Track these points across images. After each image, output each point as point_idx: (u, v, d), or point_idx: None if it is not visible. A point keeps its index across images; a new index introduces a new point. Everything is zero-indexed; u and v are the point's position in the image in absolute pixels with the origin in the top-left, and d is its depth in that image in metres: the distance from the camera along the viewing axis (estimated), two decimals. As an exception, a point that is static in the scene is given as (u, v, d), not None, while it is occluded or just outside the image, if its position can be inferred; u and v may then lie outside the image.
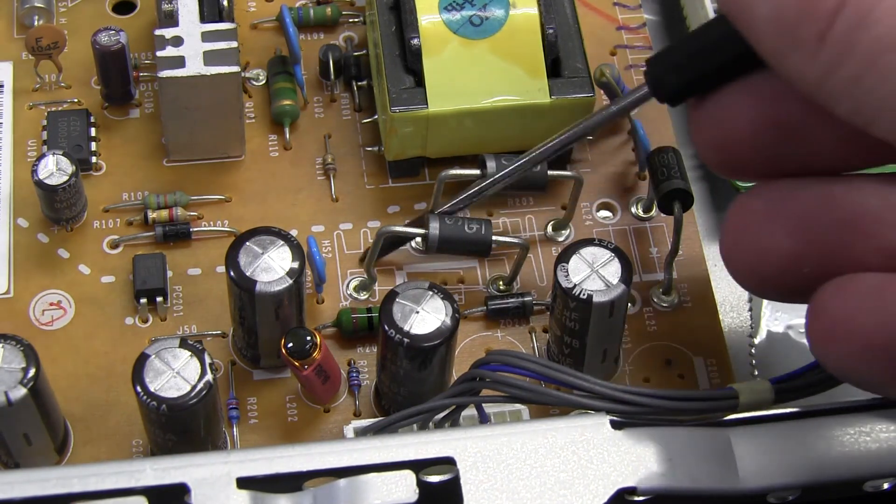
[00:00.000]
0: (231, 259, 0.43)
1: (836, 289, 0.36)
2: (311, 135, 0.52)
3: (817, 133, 0.37)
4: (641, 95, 0.42)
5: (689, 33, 0.40)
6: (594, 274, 0.43)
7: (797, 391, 0.39)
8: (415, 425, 0.41)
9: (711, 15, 0.52)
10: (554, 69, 0.49)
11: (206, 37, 0.48)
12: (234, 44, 0.48)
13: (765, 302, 0.50)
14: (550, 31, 0.49)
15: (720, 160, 0.39)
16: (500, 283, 0.49)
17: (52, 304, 0.48)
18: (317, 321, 0.48)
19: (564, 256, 0.44)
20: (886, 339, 0.35)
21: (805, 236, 0.37)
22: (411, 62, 0.49)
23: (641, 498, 0.37)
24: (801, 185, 0.38)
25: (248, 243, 0.43)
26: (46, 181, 0.47)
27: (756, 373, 0.49)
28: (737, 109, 0.38)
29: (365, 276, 0.48)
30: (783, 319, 0.50)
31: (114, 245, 0.49)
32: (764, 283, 0.38)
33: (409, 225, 0.48)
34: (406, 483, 0.36)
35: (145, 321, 0.48)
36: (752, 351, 0.50)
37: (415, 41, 0.48)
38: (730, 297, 0.52)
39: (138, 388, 0.40)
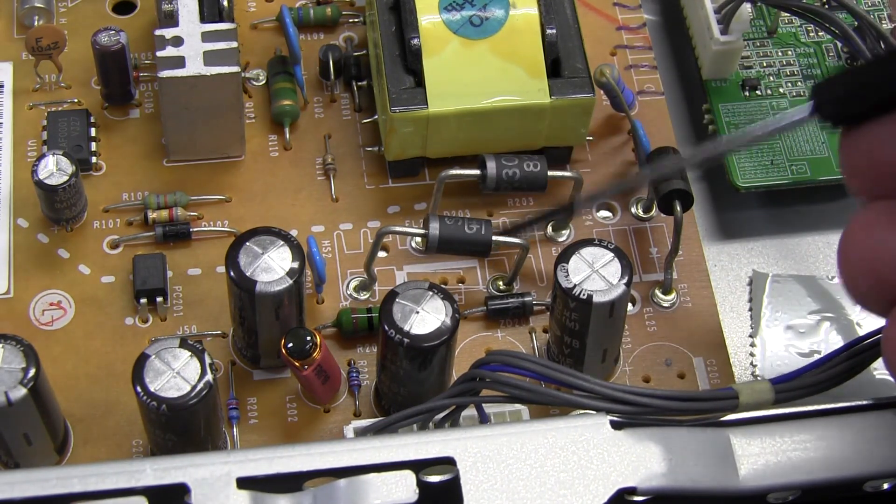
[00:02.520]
0: (231, 259, 0.43)
1: None
2: (311, 135, 0.52)
3: None
4: (803, 118, 0.41)
5: (860, 66, 0.40)
6: (594, 274, 0.43)
7: (797, 391, 0.39)
8: (415, 425, 0.41)
9: (711, 15, 0.52)
10: (554, 69, 0.49)
11: (206, 37, 0.48)
12: (234, 44, 0.48)
13: (765, 302, 0.50)
14: (550, 31, 0.49)
15: (866, 187, 0.38)
16: (500, 283, 0.49)
17: (52, 304, 0.48)
18: (317, 321, 0.48)
19: (564, 256, 0.44)
20: None
21: None
22: (411, 62, 0.49)
23: (641, 498, 0.37)
24: None
25: (248, 243, 0.43)
26: (46, 181, 0.47)
27: (756, 373, 0.49)
28: (890, 140, 0.37)
29: (365, 276, 0.48)
30: (783, 319, 0.50)
31: (114, 245, 0.49)
32: (878, 286, 0.37)
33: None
34: (406, 483, 0.36)
35: (145, 321, 0.48)
36: (752, 351, 0.50)
37: (415, 41, 0.48)
38: (730, 297, 0.52)
39: (138, 388, 0.40)
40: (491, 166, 0.48)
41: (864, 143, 0.38)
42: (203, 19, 0.49)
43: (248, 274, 0.43)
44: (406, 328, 0.42)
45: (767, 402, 0.39)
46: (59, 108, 0.52)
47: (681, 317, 0.49)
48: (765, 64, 0.55)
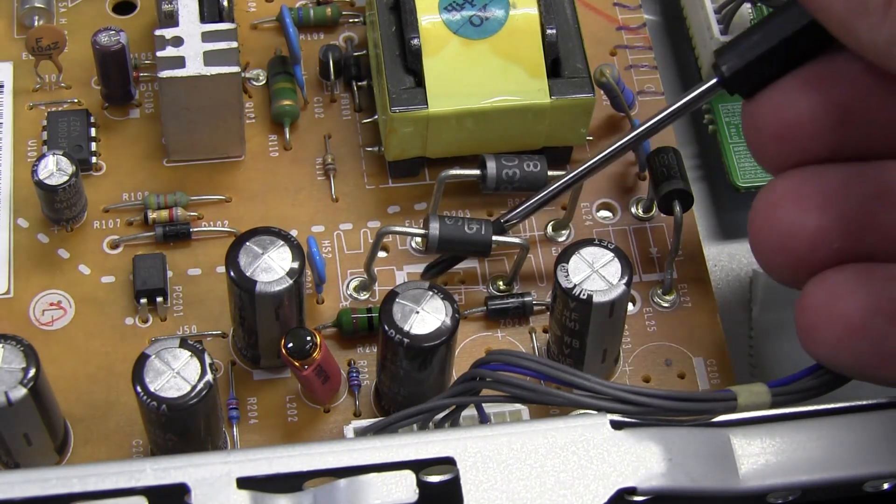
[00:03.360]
0: (231, 259, 0.43)
1: (821, 278, 0.37)
2: (311, 135, 0.52)
3: (874, 114, 0.38)
4: (711, 86, 0.42)
5: (752, 25, 0.41)
6: (594, 274, 0.43)
7: (794, 395, 0.39)
8: (415, 425, 0.41)
9: (711, 15, 0.52)
10: (554, 69, 0.49)
11: (206, 37, 0.48)
12: (234, 44, 0.48)
13: (765, 302, 0.50)
14: (550, 31, 0.49)
15: (778, 151, 0.39)
16: (500, 283, 0.49)
17: (52, 304, 0.48)
18: (317, 321, 0.48)
19: (564, 256, 0.44)
20: (864, 319, 0.36)
21: (833, 210, 0.37)
22: (411, 62, 0.49)
23: (641, 498, 0.37)
24: (830, 166, 0.38)
25: (248, 243, 0.43)
26: (46, 181, 0.47)
27: (755, 373, 0.49)
28: (796, 96, 0.38)
29: (365, 276, 0.48)
30: (783, 320, 0.50)
31: (114, 245, 0.49)
32: (793, 263, 0.38)
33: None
34: (406, 483, 0.36)
35: (145, 321, 0.48)
36: (752, 351, 0.50)
37: (415, 41, 0.48)
38: (730, 298, 0.52)
39: (138, 388, 0.40)
40: (491, 166, 0.48)
41: (770, 106, 0.39)
42: (203, 19, 0.49)
43: (248, 274, 0.43)
44: (406, 328, 0.42)
45: (765, 405, 0.39)
46: (59, 108, 0.52)
47: (681, 317, 0.49)
48: (765, 64, 0.55)
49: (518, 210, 0.47)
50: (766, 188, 0.39)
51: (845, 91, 0.38)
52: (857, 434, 0.39)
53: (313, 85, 0.53)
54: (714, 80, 0.41)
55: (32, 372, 0.40)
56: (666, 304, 0.49)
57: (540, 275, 0.49)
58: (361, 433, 0.42)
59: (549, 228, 0.50)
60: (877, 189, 0.38)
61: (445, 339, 0.42)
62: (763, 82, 0.39)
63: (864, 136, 0.38)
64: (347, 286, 0.49)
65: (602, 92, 0.52)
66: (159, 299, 0.48)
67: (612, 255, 0.44)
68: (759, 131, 0.39)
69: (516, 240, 0.47)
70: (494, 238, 0.47)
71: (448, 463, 0.37)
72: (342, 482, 0.36)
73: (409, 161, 0.50)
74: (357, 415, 0.46)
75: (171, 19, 0.49)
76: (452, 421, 0.41)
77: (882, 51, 0.35)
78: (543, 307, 0.48)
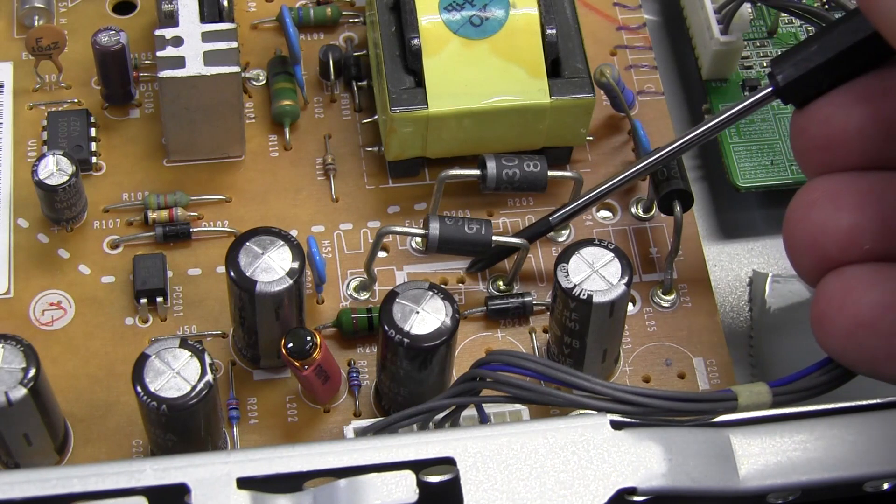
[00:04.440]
0: (231, 259, 0.43)
1: (838, 272, 0.38)
2: (311, 135, 0.52)
3: None
4: (765, 94, 0.42)
5: (811, 35, 0.41)
6: (594, 274, 0.43)
7: (795, 394, 0.39)
8: (415, 425, 0.41)
9: (711, 15, 0.52)
10: (554, 69, 0.49)
11: (206, 37, 0.48)
12: (234, 44, 0.48)
13: (765, 302, 0.50)
14: (550, 31, 0.49)
15: (822, 159, 0.39)
16: (500, 283, 0.49)
17: (52, 304, 0.48)
18: (317, 321, 0.48)
19: (564, 256, 0.44)
20: (875, 315, 0.37)
21: (868, 211, 0.38)
22: (411, 62, 0.49)
23: (641, 498, 0.37)
24: (869, 172, 0.39)
25: (248, 243, 0.43)
26: (46, 181, 0.47)
27: (755, 373, 0.49)
28: (846, 108, 0.39)
29: (365, 276, 0.48)
30: (783, 320, 0.50)
31: (114, 245, 0.49)
32: (822, 262, 0.38)
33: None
34: (406, 483, 0.36)
35: (145, 321, 0.48)
36: (752, 351, 0.50)
37: (415, 41, 0.48)
38: (730, 297, 0.52)
39: (138, 389, 0.40)
40: (491, 166, 0.48)
41: (820, 116, 0.39)
42: (203, 19, 0.49)
43: (248, 274, 0.43)
44: (406, 328, 0.42)
45: (765, 405, 0.39)
46: (59, 108, 0.52)
47: (681, 317, 0.49)
48: (765, 64, 0.55)
49: (569, 208, 0.47)
50: (805, 187, 0.39)
51: (893, 105, 0.38)
52: (857, 434, 0.39)
53: (313, 85, 0.53)
54: (769, 90, 0.42)
55: (32, 372, 0.40)
56: (666, 304, 0.49)
57: (540, 275, 0.49)
58: (361, 433, 0.42)
59: (549, 228, 0.50)
60: None
61: (445, 339, 0.42)
62: (816, 93, 0.40)
63: None
64: (347, 286, 0.49)
65: (602, 92, 0.52)
66: (159, 299, 0.48)
67: (612, 255, 0.44)
68: (806, 140, 0.40)
69: (516, 240, 0.47)
70: (494, 238, 0.47)
71: (448, 463, 0.37)
72: (342, 482, 0.36)
73: (409, 161, 0.50)
74: (357, 415, 0.46)
75: (171, 19, 0.49)
76: (452, 421, 0.41)
77: None
78: (543, 307, 0.48)
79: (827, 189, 0.39)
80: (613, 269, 0.44)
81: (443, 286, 0.44)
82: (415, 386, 0.44)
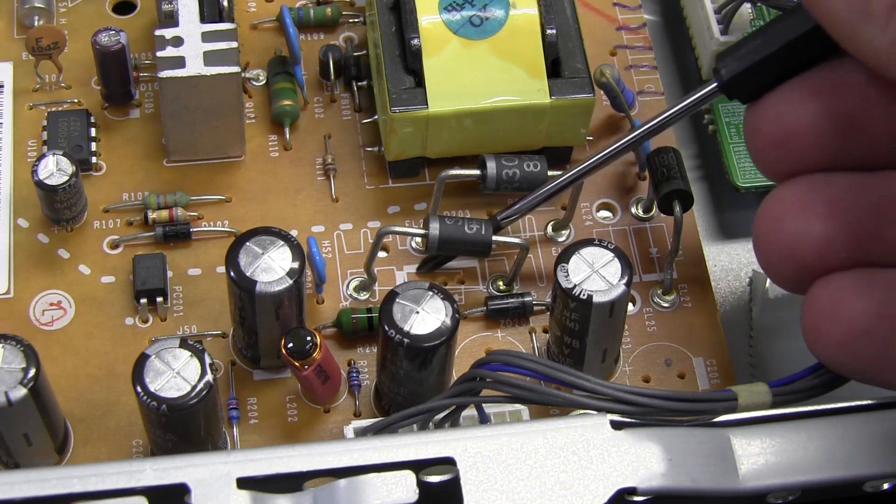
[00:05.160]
0: (231, 259, 0.43)
1: (828, 280, 0.37)
2: (311, 135, 0.52)
3: (876, 125, 0.38)
4: (710, 90, 0.42)
5: (755, 30, 0.41)
6: (594, 274, 0.43)
7: (795, 395, 0.39)
8: (415, 425, 0.41)
9: (711, 15, 0.52)
10: (554, 69, 0.49)
11: (206, 37, 0.48)
12: (234, 44, 0.48)
13: (765, 302, 0.50)
14: (550, 31, 0.49)
15: (779, 157, 0.39)
16: (500, 283, 0.49)
17: (52, 304, 0.48)
18: (317, 321, 0.48)
19: (564, 256, 0.44)
20: (869, 324, 0.36)
21: (838, 220, 0.37)
22: (411, 62, 0.49)
23: (641, 498, 0.37)
24: (836, 175, 0.38)
25: (248, 243, 0.43)
26: (46, 181, 0.47)
27: (755, 373, 0.49)
28: (798, 104, 0.38)
29: (365, 276, 0.48)
30: (783, 320, 0.50)
31: (114, 245, 0.49)
32: (799, 271, 0.38)
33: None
34: (406, 483, 0.36)
35: (145, 321, 0.48)
36: (752, 351, 0.50)
37: (415, 41, 0.48)
38: (730, 297, 0.52)
39: (138, 389, 0.40)
40: (491, 166, 0.48)
41: (772, 113, 0.39)
42: (203, 19, 0.49)
43: (248, 274, 0.43)
44: (406, 328, 0.42)
45: (765, 405, 0.39)
46: (59, 108, 0.52)
47: (681, 317, 0.49)
48: (765, 64, 0.55)
49: (515, 207, 0.47)
50: (772, 196, 0.39)
51: (848, 100, 0.38)
52: (857, 434, 0.39)
53: (313, 85, 0.53)
54: (713, 85, 0.41)
55: (32, 372, 0.40)
56: (666, 304, 0.49)
57: (540, 275, 0.49)
58: (361, 433, 0.42)
59: (549, 228, 0.50)
60: (883, 199, 0.38)
61: (445, 339, 0.42)
62: (764, 88, 0.39)
63: (867, 146, 0.38)
64: (347, 286, 0.49)
65: (602, 92, 0.52)
66: (159, 299, 0.48)
67: (612, 255, 0.44)
68: (760, 137, 0.39)
69: (516, 240, 0.47)
70: (494, 238, 0.47)
71: (448, 463, 0.37)
72: (342, 482, 0.36)
73: (409, 161, 0.50)
74: (357, 415, 0.46)
75: (171, 19, 0.49)
76: (452, 421, 0.41)
77: (884, 58, 0.35)
78: (543, 307, 0.48)
79: (794, 197, 0.38)
80: (613, 269, 0.44)
81: (443, 286, 0.44)
82: (415, 386, 0.44)
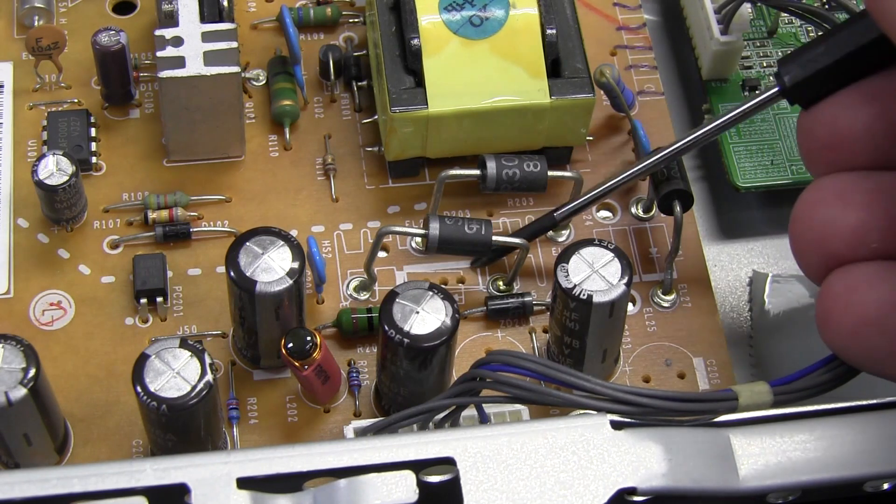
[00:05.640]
0: (231, 259, 0.43)
1: (842, 271, 0.38)
2: (311, 135, 0.52)
3: None
4: (772, 94, 0.43)
5: (818, 36, 0.41)
6: (594, 274, 0.43)
7: (796, 394, 0.39)
8: (415, 425, 0.41)
9: (711, 15, 0.52)
10: (554, 69, 0.49)
11: (206, 37, 0.48)
12: (234, 44, 0.48)
13: (765, 302, 0.50)
14: (550, 31, 0.49)
15: (830, 159, 0.39)
16: (500, 283, 0.49)
17: (52, 304, 0.48)
18: (317, 321, 0.48)
19: (564, 256, 0.44)
20: (882, 313, 0.36)
21: (875, 209, 0.38)
22: (411, 62, 0.49)
23: (641, 498, 0.37)
24: (879, 172, 0.39)
25: (248, 243, 0.43)
26: (46, 181, 0.47)
27: (755, 373, 0.49)
28: (852, 109, 0.39)
29: (365, 276, 0.48)
30: (783, 320, 0.50)
31: (114, 245, 0.49)
32: (828, 259, 0.38)
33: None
34: (406, 483, 0.36)
35: (145, 321, 0.48)
36: (752, 351, 0.50)
37: (415, 41, 0.48)
38: (730, 297, 0.52)
39: (138, 389, 0.40)
40: (491, 166, 0.48)
41: (827, 116, 0.39)
42: (203, 19, 0.49)
43: (248, 274, 0.43)
44: (406, 328, 0.42)
45: (766, 404, 0.39)
46: (59, 108, 0.52)
47: (681, 317, 0.49)
48: (765, 64, 0.55)
49: (574, 204, 0.47)
50: (812, 185, 0.39)
51: None
52: (857, 434, 0.39)
53: (313, 85, 0.53)
54: (775, 90, 0.42)
55: (32, 372, 0.40)
56: (666, 304, 0.49)
57: (540, 275, 0.49)
58: (361, 433, 0.42)
59: (549, 228, 0.50)
60: None
61: (445, 339, 0.42)
62: (822, 94, 0.40)
63: None
64: (347, 286, 0.49)
65: (602, 92, 0.52)
66: (159, 299, 0.48)
67: (612, 255, 0.44)
68: (813, 139, 0.40)
69: (516, 240, 0.47)
70: (494, 238, 0.47)
71: (448, 463, 0.37)
72: (342, 482, 0.36)
73: (409, 161, 0.50)
74: (357, 415, 0.46)
75: (171, 19, 0.49)
76: (452, 421, 0.41)
77: None
78: (543, 307, 0.48)
79: (835, 187, 0.39)
80: (613, 269, 0.44)
81: (443, 286, 0.44)
82: (415, 386, 0.44)
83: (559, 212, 0.48)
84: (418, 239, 0.49)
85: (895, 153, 0.39)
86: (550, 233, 0.50)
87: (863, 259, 0.38)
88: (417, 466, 0.36)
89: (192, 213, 0.50)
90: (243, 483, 0.36)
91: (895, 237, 0.38)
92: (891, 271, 0.37)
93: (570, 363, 0.46)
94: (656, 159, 0.47)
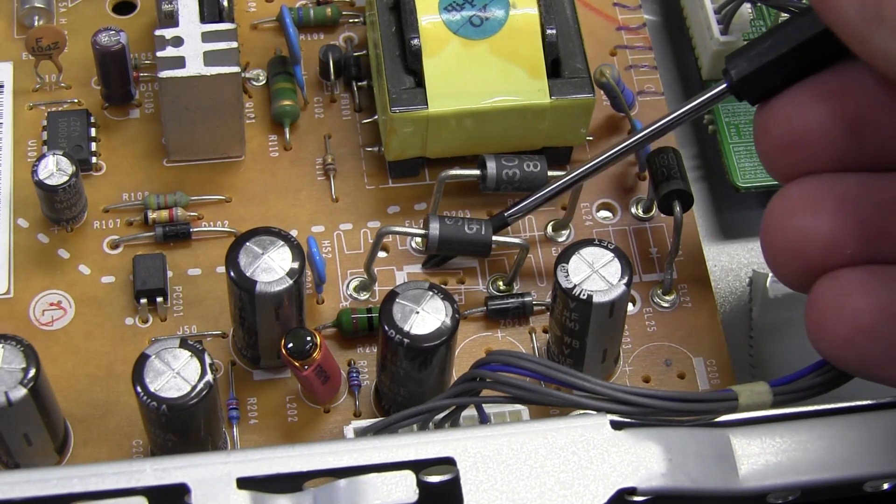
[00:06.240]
0: (231, 259, 0.43)
1: (832, 277, 0.37)
2: (311, 135, 0.52)
3: (884, 128, 0.38)
4: (719, 90, 0.42)
5: (765, 32, 0.41)
6: (594, 274, 0.43)
7: (796, 394, 0.39)
8: (415, 425, 0.41)
9: (711, 15, 0.52)
10: (554, 69, 0.49)
11: (206, 37, 0.48)
12: (234, 44, 0.48)
13: (765, 302, 0.50)
14: (550, 31, 0.49)
15: (787, 159, 0.39)
16: (500, 283, 0.49)
17: (52, 304, 0.48)
18: (317, 321, 0.48)
19: (564, 256, 0.44)
20: (875, 321, 0.36)
21: (847, 216, 0.37)
22: (411, 62, 0.49)
23: (641, 498, 0.37)
24: (844, 175, 0.38)
25: (248, 243, 0.43)
26: (46, 181, 0.47)
27: (755, 373, 0.49)
28: (807, 106, 0.38)
29: (365, 276, 0.48)
30: (783, 320, 0.50)
31: (114, 245, 0.49)
32: (805, 269, 0.38)
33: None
34: (406, 483, 0.36)
35: (145, 321, 0.48)
36: (752, 351, 0.50)
37: (415, 41, 0.48)
38: (730, 298, 0.52)
39: (138, 389, 0.40)
40: (491, 166, 0.48)
41: (781, 115, 0.39)
42: (203, 19, 0.49)
43: (248, 274, 0.43)
44: (406, 328, 0.42)
45: (766, 404, 0.39)
46: (59, 108, 0.52)
47: (681, 317, 0.49)
48: (765, 64, 0.55)
49: (522, 205, 0.47)
50: (780, 194, 0.39)
51: (856, 102, 0.38)
52: (857, 434, 0.39)
53: (313, 85, 0.53)
54: (723, 85, 0.41)
55: (32, 372, 0.40)
56: (666, 304, 0.49)
57: (540, 275, 0.49)
58: (361, 433, 0.42)
59: (549, 228, 0.50)
60: (892, 197, 0.38)
61: (445, 339, 0.42)
62: (773, 90, 0.39)
63: (875, 149, 0.38)
64: (347, 286, 0.49)
65: (602, 92, 0.52)
66: (159, 299, 0.48)
67: (612, 255, 0.44)
68: (769, 140, 0.39)
69: (516, 240, 0.47)
70: (494, 238, 0.47)
71: (448, 463, 0.37)
72: (342, 482, 0.36)
73: (409, 161, 0.50)
74: (357, 415, 0.46)
75: (171, 19, 0.49)
76: (452, 421, 0.41)
77: (895, 62, 0.35)
78: (543, 307, 0.48)
79: (803, 195, 0.38)
80: (613, 269, 0.44)
81: (443, 286, 0.44)
82: (415, 386, 0.44)
83: (510, 212, 0.48)
84: (418, 239, 0.49)
85: (857, 153, 0.38)
86: (551, 233, 0.50)
87: (839, 266, 0.38)
88: (417, 466, 0.36)
89: (192, 213, 0.50)
90: (243, 483, 0.36)
91: (869, 241, 0.37)
92: (879, 277, 0.37)
93: (570, 363, 0.46)
94: (614, 152, 0.46)
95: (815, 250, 0.38)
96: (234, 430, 0.46)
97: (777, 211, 0.39)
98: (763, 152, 0.39)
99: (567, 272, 0.44)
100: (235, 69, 0.48)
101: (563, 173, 0.48)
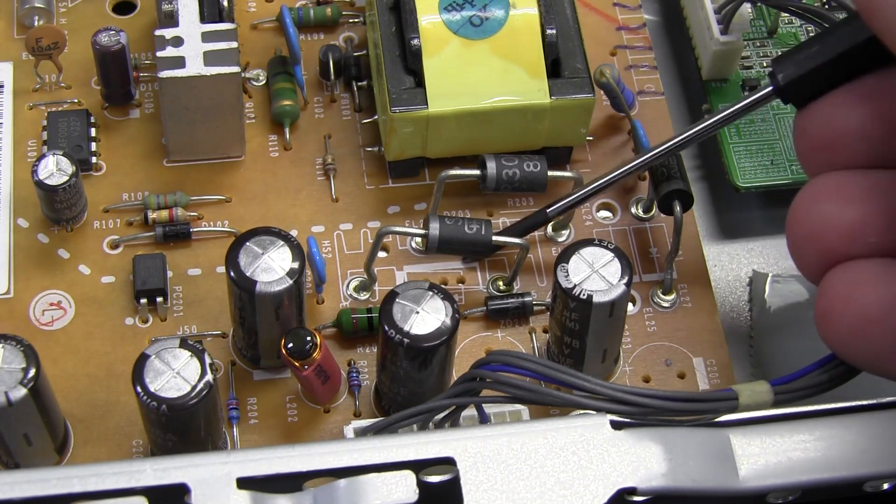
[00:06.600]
0: (231, 259, 0.43)
1: (843, 268, 0.38)
2: (311, 135, 0.52)
3: None
4: (766, 93, 0.43)
5: (812, 37, 0.41)
6: (594, 274, 0.43)
7: (796, 393, 0.39)
8: (415, 425, 0.41)
9: (711, 15, 0.52)
10: (554, 69, 0.49)
11: (206, 37, 0.48)
12: (234, 44, 0.48)
13: (765, 302, 0.50)
14: (550, 31, 0.49)
15: (824, 159, 0.39)
16: (500, 283, 0.49)
17: (52, 304, 0.48)
18: (317, 321, 0.48)
19: (564, 256, 0.44)
20: (883, 312, 0.36)
21: (872, 205, 0.38)
22: (411, 62, 0.49)
23: (641, 498, 0.37)
24: (876, 171, 0.39)
25: (248, 243, 0.43)
26: (46, 181, 0.47)
27: (755, 373, 0.49)
28: (847, 108, 0.39)
29: (365, 276, 0.48)
30: (783, 320, 0.50)
31: (114, 245, 0.49)
32: (825, 255, 0.38)
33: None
34: (406, 483, 0.36)
35: (145, 321, 0.48)
36: (752, 351, 0.50)
37: (415, 41, 0.48)
38: (730, 298, 0.52)
39: (138, 389, 0.40)
40: (491, 166, 0.48)
41: (822, 115, 0.39)
42: (203, 19, 0.49)
43: (248, 274, 0.43)
44: (406, 328, 0.42)
45: (767, 404, 0.39)
46: (59, 108, 0.52)
47: (681, 317, 0.49)
48: (765, 64, 0.55)
49: (564, 202, 0.47)
50: (810, 183, 0.39)
51: (894, 105, 0.38)
52: (857, 434, 0.39)
53: (313, 85, 0.53)
54: (769, 89, 0.42)
55: (32, 372, 0.40)
56: (666, 304, 0.49)
57: (540, 275, 0.49)
58: (361, 433, 0.42)
59: (549, 228, 0.50)
60: None
61: (445, 339, 0.42)
62: (816, 93, 0.40)
63: None
64: (347, 286, 0.49)
65: (602, 92, 0.52)
66: (159, 299, 0.48)
67: (612, 255, 0.44)
68: (808, 140, 0.40)
69: (516, 240, 0.47)
70: (494, 238, 0.47)
71: (448, 463, 0.37)
72: (342, 482, 0.36)
73: (409, 161, 0.50)
74: (357, 415, 0.46)
75: (171, 19, 0.49)
76: (452, 421, 0.41)
77: None
78: (543, 307, 0.48)
79: (832, 183, 0.39)
80: (613, 269, 0.44)
81: (443, 286, 0.44)
82: (415, 386, 0.44)
83: (552, 208, 0.48)
84: (418, 239, 0.49)
85: (891, 153, 0.39)
86: (550, 232, 0.50)
87: (859, 256, 0.38)
88: (417, 466, 0.36)
89: (192, 213, 0.50)
90: (243, 483, 0.36)
91: (893, 233, 0.38)
92: (892, 269, 0.37)
93: (570, 363, 0.46)
94: (651, 156, 0.47)
95: (836, 238, 0.38)
96: (234, 430, 0.46)
97: (805, 198, 0.39)
98: (801, 152, 0.40)
99: (567, 272, 0.44)
100: (235, 69, 0.48)
101: (567, 174, 0.48)
